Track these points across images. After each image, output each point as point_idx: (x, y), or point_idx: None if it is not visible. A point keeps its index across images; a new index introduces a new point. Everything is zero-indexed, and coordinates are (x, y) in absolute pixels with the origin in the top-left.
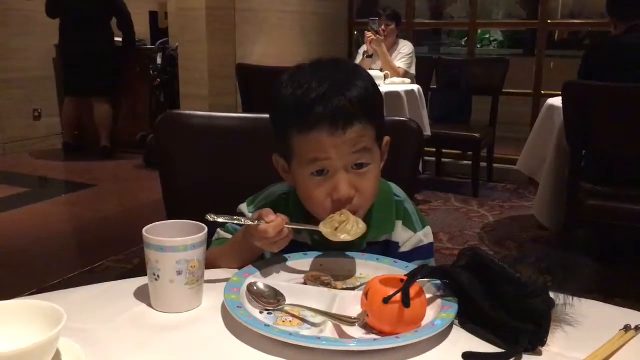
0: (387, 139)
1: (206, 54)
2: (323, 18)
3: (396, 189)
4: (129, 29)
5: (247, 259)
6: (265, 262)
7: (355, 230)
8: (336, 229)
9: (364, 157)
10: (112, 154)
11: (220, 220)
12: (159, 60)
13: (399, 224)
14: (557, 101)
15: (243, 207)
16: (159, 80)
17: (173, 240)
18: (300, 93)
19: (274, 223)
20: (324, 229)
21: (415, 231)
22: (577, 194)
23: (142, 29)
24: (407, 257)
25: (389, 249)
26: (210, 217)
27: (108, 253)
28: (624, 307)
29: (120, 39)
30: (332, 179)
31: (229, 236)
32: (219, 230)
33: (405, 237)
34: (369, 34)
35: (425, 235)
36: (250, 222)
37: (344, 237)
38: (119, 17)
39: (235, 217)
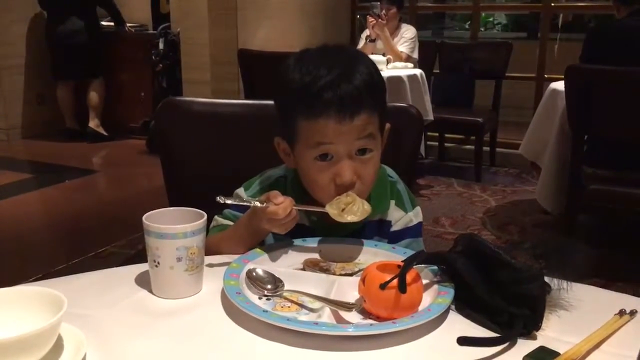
0: (387, 125)
1: (208, 39)
2: (325, 2)
3: (389, 171)
4: (112, 12)
5: (251, 243)
6: (264, 248)
7: (361, 211)
8: (343, 210)
9: (368, 143)
10: (100, 137)
11: (229, 202)
12: (160, 46)
13: (392, 203)
14: (559, 85)
15: (240, 191)
16: (161, 65)
17: (172, 228)
18: (309, 80)
19: (283, 204)
20: (331, 210)
21: (406, 211)
22: (579, 179)
23: (143, 14)
24: (398, 235)
25: (382, 227)
26: (221, 200)
27: (112, 238)
28: (626, 291)
29: (112, 23)
30: (336, 164)
31: (227, 222)
32: (216, 217)
33: (397, 217)
34: (371, 19)
35: (415, 215)
36: (259, 204)
37: (350, 217)
38: (100, 4)
39: (244, 199)
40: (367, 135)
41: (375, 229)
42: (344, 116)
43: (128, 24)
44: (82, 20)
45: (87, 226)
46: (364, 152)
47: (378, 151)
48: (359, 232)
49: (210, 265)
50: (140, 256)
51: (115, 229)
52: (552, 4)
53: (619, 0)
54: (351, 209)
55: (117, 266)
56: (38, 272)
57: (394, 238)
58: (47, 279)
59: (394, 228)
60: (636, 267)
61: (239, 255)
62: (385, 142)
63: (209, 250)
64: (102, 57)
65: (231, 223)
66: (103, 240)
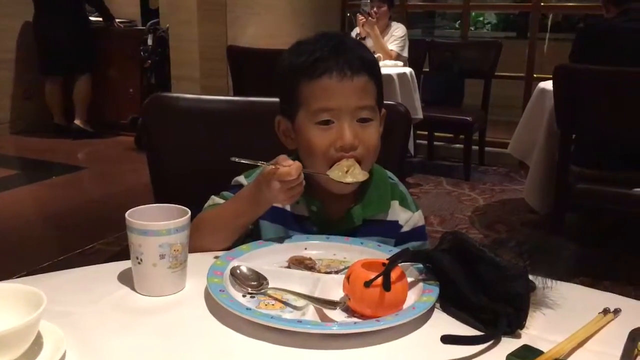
0: (383, 111)
1: (197, 35)
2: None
3: (390, 173)
4: (100, 9)
5: (250, 216)
6: (249, 245)
7: (362, 174)
8: (346, 172)
9: (367, 113)
10: (85, 134)
11: (244, 161)
12: (149, 42)
13: (395, 204)
14: (548, 85)
15: (240, 178)
16: (149, 61)
17: (156, 224)
18: (307, 54)
19: (295, 165)
20: (333, 173)
21: (412, 211)
22: (566, 178)
23: (132, 9)
24: (407, 236)
25: (389, 228)
26: (235, 159)
27: (98, 235)
28: (612, 289)
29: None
30: (337, 127)
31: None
32: (213, 197)
33: (405, 217)
34: (361, 17)
35: (420, 217)
36: (271, 166)
37: (351, 179)
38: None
39: (259, 162)
40: (367, 105)
41: (376, 228)
42: (344, 74)
43: (117, 20)
44: (70, 15)
45: (73, 223)
46: (364, 120)
47: (377, 123)
48: (357, 229)
49: (194, 263)
50: (126, 253)
51: (102, 226)
52: (542, 4)
53: (608, 0)
54: (353, 172)
55: (101, 263)
56: (22, 270)
57: (403, 239)
58: (31, 276)
59: (404, 229)
60: (623, 266)
61: (224, 252)
62: (382, 128)
63: (202, 227)
64: (90, 53)
65: None
66: (89, 238)
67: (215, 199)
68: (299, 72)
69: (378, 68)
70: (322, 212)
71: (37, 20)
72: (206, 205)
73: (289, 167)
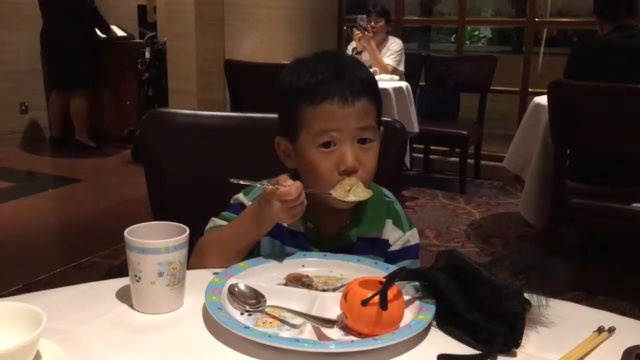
0: (381, 129)
1: (194, 48)
2: (312, 14)
3: (386, 191)
4: (97, 23)
5: (253, 236)
6: (247, 263)
7: (365, 193)
8: (348, 191)
9: (368, 134)
10: (87, 148)
11: (243, 182)
12: (147, 55)
13: (389, 222)
14: (543, 99)
15: (240, 196)
16: (147, 74)
17: (154, 242)
18: (309, 75)
19: (295, 185)
20: (336, 193)
21: (404, 231)
22: (561, 192)
23: (130, 22)
24: (396, 255)
25: (379, 246)
26: (234, 181)
27: (95, 248)
28: (607, 304)
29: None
30: (339, 150)
31: (225, 223)
32: (213, 218)
33: (395, 236)
34: (357, 31)
35: (412, 236)
36: (272, 186)
37: (353, 197)
38: (92, 20)
39: (258, 182)
40: (367, 126)
41: (369, 246)
42: (346, 99)
43: (113, 27)
44: (77, 33)
45: (69, 236)
46: (364, 142)
47: (377, 143)
48: (351, 247)
49: (192, 280)
50: (123, 267)
51: (98, 238)
52: (536, 19)
53: (602, 16)
54: (355, 190)
55: (100, 276)
56: (19, 282)
57: (392, 258)
58: (28, 288)
59: (393, 248)
60: (617, 280)
61: (222, 269)
62: (379, 145)
63: (206, 249)
64: (89, 72)
65: None
66: (86, 250)
67: (216, 221)
68: (300, 95)
69: (378, 88)
70: (317, 229)
71: (44, 35)
72: (207, 227)
73: (289, 186)
